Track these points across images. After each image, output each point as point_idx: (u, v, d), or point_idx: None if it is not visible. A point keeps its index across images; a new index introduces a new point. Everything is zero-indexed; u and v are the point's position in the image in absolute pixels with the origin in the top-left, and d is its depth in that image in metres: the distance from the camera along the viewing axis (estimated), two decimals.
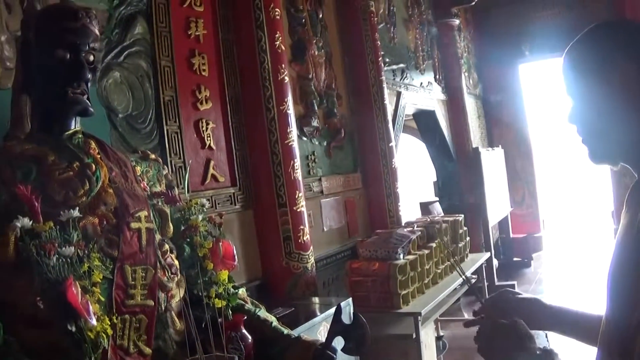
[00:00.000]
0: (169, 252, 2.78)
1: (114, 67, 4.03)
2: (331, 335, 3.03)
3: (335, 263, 6.42)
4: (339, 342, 3.02)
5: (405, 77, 9.23)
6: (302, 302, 4.98)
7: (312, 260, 5.33)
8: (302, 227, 5.22)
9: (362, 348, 2.99)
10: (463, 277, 2.76)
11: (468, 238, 7.99)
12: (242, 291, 3.17)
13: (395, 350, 5.87)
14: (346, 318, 3.00)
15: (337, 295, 6.05)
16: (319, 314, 4.57)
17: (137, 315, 2.46)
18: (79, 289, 2.15)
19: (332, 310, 3.05)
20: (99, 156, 2.64)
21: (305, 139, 6.21)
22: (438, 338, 7.89)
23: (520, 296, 2.13)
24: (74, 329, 2.13)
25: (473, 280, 7.97)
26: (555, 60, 13.06)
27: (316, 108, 6.39)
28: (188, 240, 2.87)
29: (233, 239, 4.66)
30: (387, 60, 8.46)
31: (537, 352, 1.85)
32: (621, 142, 1.74)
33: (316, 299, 5.14)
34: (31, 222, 2.15)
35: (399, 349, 5.87)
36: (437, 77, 10.93)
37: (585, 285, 9.86)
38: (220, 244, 2.90)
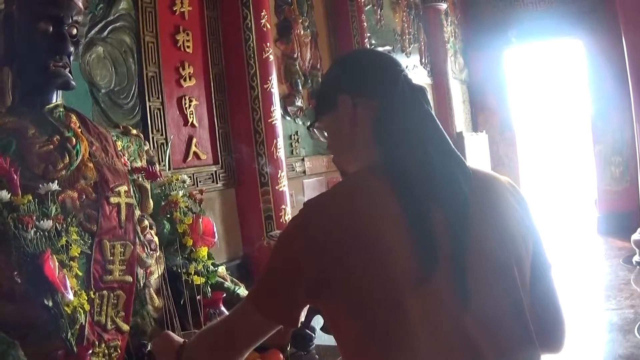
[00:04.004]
0: (148, 228, 2.78)
1: (98, 42, 4.00)
2: (310, 314, 3.03)
3: None
4: (318, 321, 3.02)
5: None
6: None
7: None
8: (283, 206, 5.20)
9: None
10: None
11: None
12: (221, 269, 3.17)
13: None
14: None
15: None
16: None
17: (115, 292, 2.46)
18: (57, 263, 2.14)
19: None
20: (79, 130, 2.62)
21: (288, 118, 6.19)
22: None
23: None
24: (50, 303, 2.12)
25: None
26: (541, 45, 13.12)
27: (300, 88, 6.37)
28: (168, 216, 2.87)
29: (214, 218, 4.65)
30: (373, 42, 8.42)
31: None
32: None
33: None
34: (9, 195, 2.14)
35: None
36: (423, 60, 10.88)
37: (564, 272, 9.89)
38: (200, 220, 2.89)
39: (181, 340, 1.93)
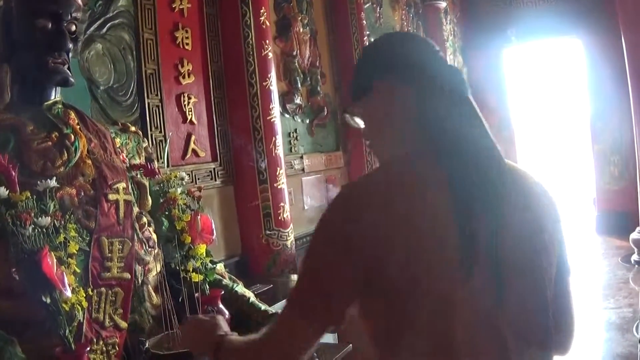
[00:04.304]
0: (146, 225, 2.77)
1: (97, 39, 4.00)
2: None
3: None
4: None
5: None
6: (281, 279, 4.98)
7: (291, 237, 5.33)
8: (282, 204, 5.21)
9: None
10: None
11: None
12: (220, 266, 3.17)
13: None
14: None
15: None
16: None
17: (114, 289, 2.45)
18: (55, 260, 2.13)
19: None
20: (78, 127, 2.62)
21: (287, 116, 6.19)
22: None
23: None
24: (48, 300, 2.11)
25: None
26: (540, 44, 13.10)
27: (300, 85, 6.37)
28: (166, 213, 2.86)
29: (213, 215, 4.64)
30: (372, 40, 8.39)
31: None
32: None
33: (294, 277, 5.13)
34: (7, 191, 2.13)
35: None
36: None
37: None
38: (199, 217, 2.88)
39: (218, 335, 1.91)
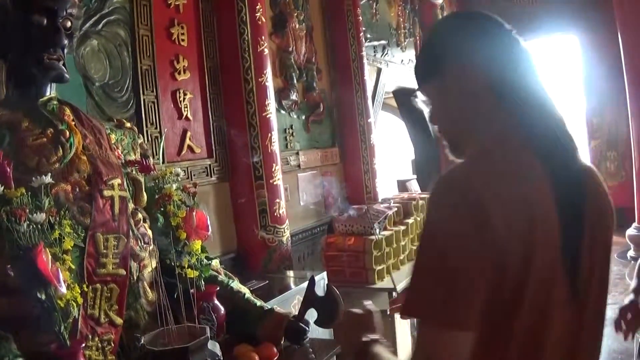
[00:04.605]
0: (142, 222, 2.78)
1: (92, 35, 3.99)
2: (304, 307, 3.04)
3: (311, 238, 6.42)
4: (311, 315, 3.03)
5: (386, 53, 9.19)
6: (277, 276, 4.98)
7: (287, 234, 5.33)
8: (278, 200, 5.21)
9: (335, 320, 2.99)
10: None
11: None
12: (215, 262, 3.18)
13: None
14: (319, 291, 3.02)
15: (312, 269, 6.03)
16: (293, 287, 4.58)
17: (109, 285, 2.45)
18: (50, 256, 2.13)
19: (306, 283, 3.06)
20: (73, 123, 2.62)
21: (283, 112, 6.19)
22: None
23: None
24: (43, 296, 2.11)
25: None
26: (537, 42, 13.10)
27: (295, 81, 6.36)
28: (162, 209, 2.86)
29: (208, 211, 4.64)
30: (369, 36, 8.41)
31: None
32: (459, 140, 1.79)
33: (291, 273, 5.15)
34: (2, 187, 2.13)
35: None
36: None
37: None
38: (194, 213, 2.89)
39: (368, 341, 1.80)
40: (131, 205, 2.71)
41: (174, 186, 2.92)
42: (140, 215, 2.77)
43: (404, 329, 6.35)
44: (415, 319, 1.55)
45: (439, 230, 1.49)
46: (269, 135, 5.19)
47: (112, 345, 2.43)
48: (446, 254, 1.44)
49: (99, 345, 2.38)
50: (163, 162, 4.09)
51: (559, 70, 14.57)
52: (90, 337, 2.34)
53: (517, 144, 1.60)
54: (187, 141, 4.75)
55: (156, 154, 3.98)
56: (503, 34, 1.77)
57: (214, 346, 2.70)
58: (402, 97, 10.57)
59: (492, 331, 1.46)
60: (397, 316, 5.64)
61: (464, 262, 1.42)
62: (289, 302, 4.26)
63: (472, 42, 1.72)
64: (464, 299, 1.42)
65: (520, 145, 1.60)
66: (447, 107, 1.76)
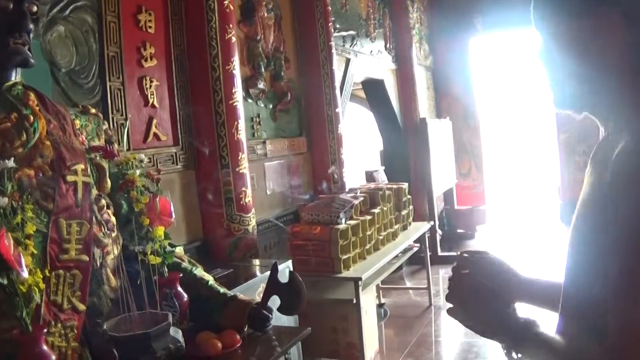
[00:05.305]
0: (105, 208, 2.76)
1: (59, 21, 3.97)
2: (267, 294, 3.06)
3: (277, 227, 6.42)
4: (274, 302, 3.04)
5: (355, 44, 9.21)
6: (242, 264, 4.99)
7: (253, 222, 5.33)
8: (244, 189, 5.21)
9: (298, 307, 3.01)
10: None
11: (412, 207, 8.07)
12: (179, 249, 3.18)
13: (335, 315, 5.92)
14: (283, 278, 3.03)
15: (278, 258, 6.07)
16: (258, 274, 4.60)
17: (72, 271, 2.44)
18: (12, 241, 2.12)
19: None
20: (37, 108, 2.60)
21: (250, 100, 6.18)
22: (380, 305, 7.99)
23: (498, 261, 1.82)
24: (5, 281, 2.11)
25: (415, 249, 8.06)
26: (506, 34, 13.17)
27: (263, 70, 6.36)
28: (125, 195, 2.86)
29: (174, 199, 4.65)
30: (338, 26, 8.42)
31: (518, 320, 1.64)
32: (591, 91, 1.62)
33: (256, 261, 5.16)
34: None
35: (339, 313, 5.93)
36: (388, 46, 10.89)
37: (528, 260, 9.99)
38: (157, 199, 2.89)
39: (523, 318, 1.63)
40: (95, 191, 2.71)
41: (138, 172, 2.91)
42: (104, 202, 2.76)
43: (371, 318, 6.39)
44: None
45: None
46: (236, 123, 5.18)
47: (75, 331, 2.42)
48: None
49: (62, 331, 2.37)
50: (129, 149, 4.09)
51: (528, 63, 14.66)
52: (53, 323, 2.32)
53: None
54: (153, 128, 4.73)
55: (121, 141, 3.97)
56: None
57: (176, 332, 2.71)
58: (372, 87, 10.61)
59: None
60: (363, 304, 5.68)
61: None
62: (254, 290, 4.27)
63: None
64: None
65: None
66: (592, 58, 1.57)
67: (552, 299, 1.78)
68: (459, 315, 1.74)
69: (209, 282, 3.15)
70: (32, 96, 2.64)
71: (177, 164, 4.98)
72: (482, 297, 1.71)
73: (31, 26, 2.56)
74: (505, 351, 1.65)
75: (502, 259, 1.83)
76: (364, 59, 9.51)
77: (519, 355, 1.62)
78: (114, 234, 2.77)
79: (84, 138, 2.83)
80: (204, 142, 5.07)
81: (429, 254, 8.70)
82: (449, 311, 1.76)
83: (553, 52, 1.63)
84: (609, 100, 1.60)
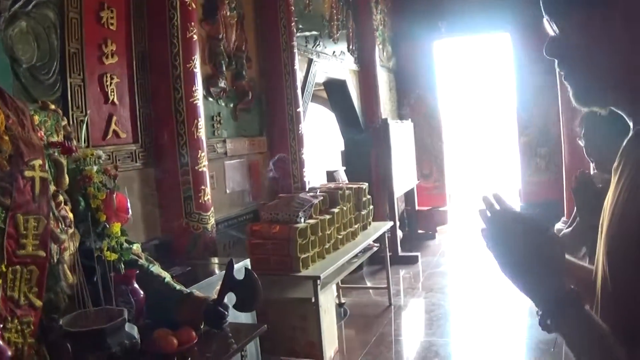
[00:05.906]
0: (63, 204, 2.77)
1: (21, 17, 3.95)
2: (222, 291, 3.07)
3: (237, 225, 6.43)
4: (230, 299, 3.06)
5: (318, 44, 9.23)
6: (201, 262, 5.00)
7: (212, 221, 5.34)
8: (203, 187, 5.21)
9: (254, 305, 3.03)
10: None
11: (372, 207, 8.10)
12: (136, 246, 3.18)
13: (295, 314, 5.94)
14: (239, 275, 3.04)
15: (237, 257, 6.07)
16: (217, 272, 4.61)
17: (28, 266, 2.44)
18: None
19: None
20: None
21: (211, 99, 6.18)
22: (339, 305, 8.02)
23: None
24: None
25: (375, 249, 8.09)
26: (470, 38, 13.29)
27: (224, 69, 6.36)
28: (82, 191, 2.86)
29: (133, 197, 4.63)
30: (301, 26, 8.44)
31: (568, 287, 1.47)
32: (616, 83, 1.48)
33: (215, 259, 5.16)
34: None
35: (298, 312, 5.94)
36: (351, 47, 10.93)
37: (486, 261, 10.07)
38: (114, 196, 2.90)
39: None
40: (52, 187, 2.71)
41: (95, 168, 2.92)
42: (61, 198, 2.76)
43: (330, 317, 6.42)
44: None
45: None
46: (196, 122, 5.19)
47: (32, 327, 2.43)
48: None
49: (19, 327, 2.37)
50: (88, 146, 4.07)
51: (491, 67, 14.80)
52: (9, 319, 2.33)
53: None
54: (113, 126, 4.72)
55: (80, 137, 3.96)
56: None
57: (132, 329, 2.72)
58: (334, 88, 10.64)
59: None
60: (322, 303, 5.71)
61: None
62: (211, 288, 4.28)
63: None
64: None
65: None
66: (599, 51, 1.48)
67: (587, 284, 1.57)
68: (499, 249, 1.66)
69: (166, 279, 3.16)
70: None
71: (136, 162, 4.97)
72: (538, 246, 1.53)
73: None
74: (539, 315, 1.51)
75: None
76: (326, 60, 9.55)
77: (554, 324, 1.47)
78: (71, 230, 2.77)
79: (43, 134, 2.83)
80: (163, 140, 5.07)
81: (389, 253, 8.73)
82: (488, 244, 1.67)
83: (567, 47, 1.54)
84: (632, 96, 1.48)
